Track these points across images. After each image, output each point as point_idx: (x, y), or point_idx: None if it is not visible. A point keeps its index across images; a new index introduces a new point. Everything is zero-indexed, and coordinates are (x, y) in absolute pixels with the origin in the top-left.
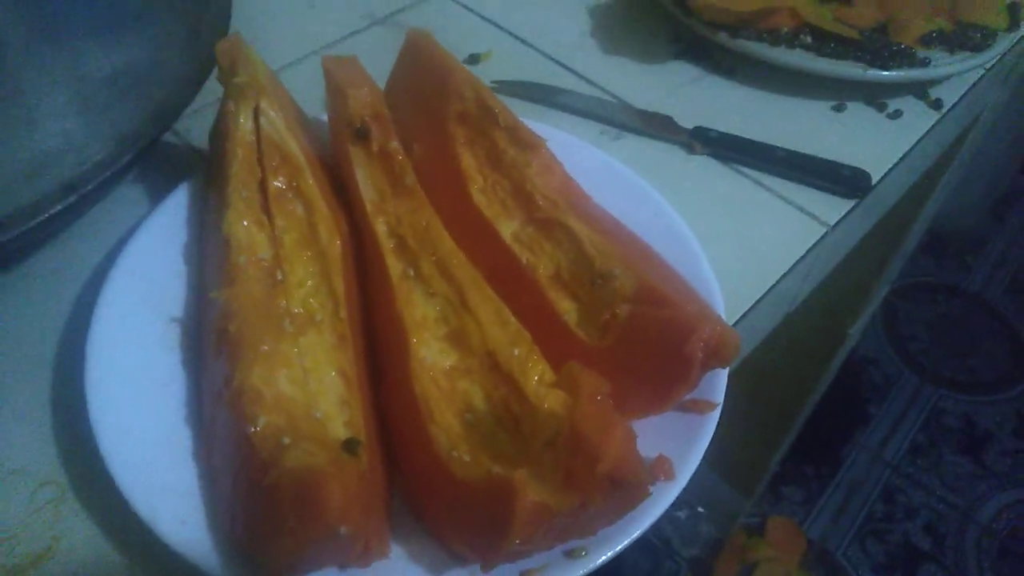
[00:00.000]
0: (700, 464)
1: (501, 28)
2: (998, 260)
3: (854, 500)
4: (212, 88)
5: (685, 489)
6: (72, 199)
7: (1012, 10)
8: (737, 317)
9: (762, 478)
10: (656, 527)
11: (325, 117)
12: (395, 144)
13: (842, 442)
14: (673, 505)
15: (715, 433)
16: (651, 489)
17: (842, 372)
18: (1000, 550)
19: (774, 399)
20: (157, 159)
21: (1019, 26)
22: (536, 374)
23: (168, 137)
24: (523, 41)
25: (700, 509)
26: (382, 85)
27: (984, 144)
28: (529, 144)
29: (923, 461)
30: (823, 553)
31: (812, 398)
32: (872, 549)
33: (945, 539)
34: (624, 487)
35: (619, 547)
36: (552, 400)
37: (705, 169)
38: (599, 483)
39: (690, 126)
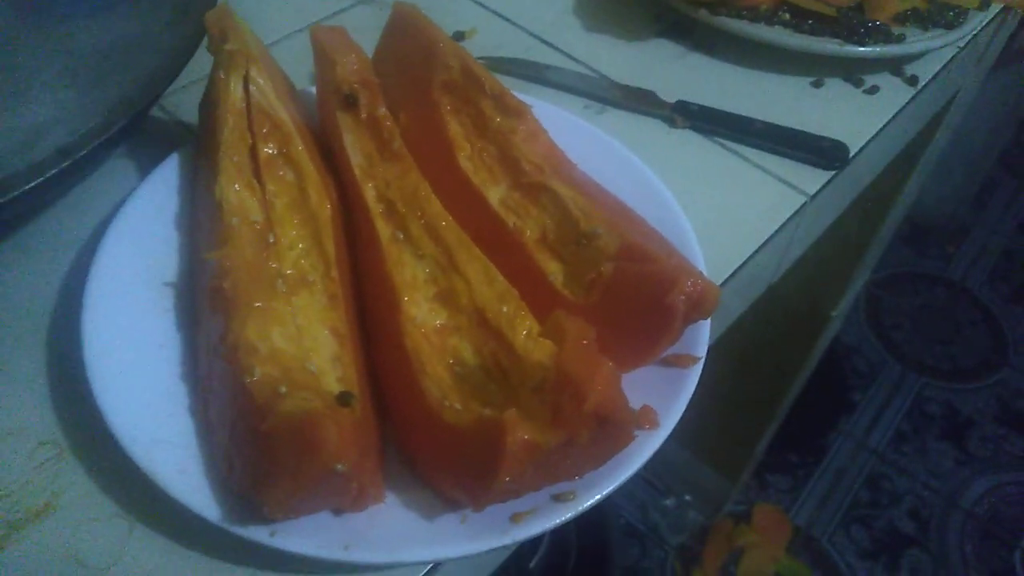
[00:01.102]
0: (687, 452)
1: (485, 6)
2: (979, 250)
3: (839, 487)
4: (199, 65)
5: (672, 476)
6: (65, 164)
7: None
8: (719, 284)
9: (748, 465)
10: (644, 515)
11: (313, 89)
12: (383, 110)
13: (827, 430)
14: (660, 493)
15: (701, 419)
16: (636, 435)
17: (826, 360)
18: (983, 533)
19: (759, 385)
20: (146, 134)
21: (989, 5)
22: (524, 329)
23: (156, 113)
24: (507, 19)
25: (687, 497)
26: None
27: (963, 134)
28: (515, 111)
29: (907, 448)
30: (809, 539)
31: (796, 383)
32: (857, 535)
33: (929, 524)
34: (610, 424)
35: (606, 491)
36: (540, 351)
37: (687, 142)
38: (586, 420)
39: (672, 101)
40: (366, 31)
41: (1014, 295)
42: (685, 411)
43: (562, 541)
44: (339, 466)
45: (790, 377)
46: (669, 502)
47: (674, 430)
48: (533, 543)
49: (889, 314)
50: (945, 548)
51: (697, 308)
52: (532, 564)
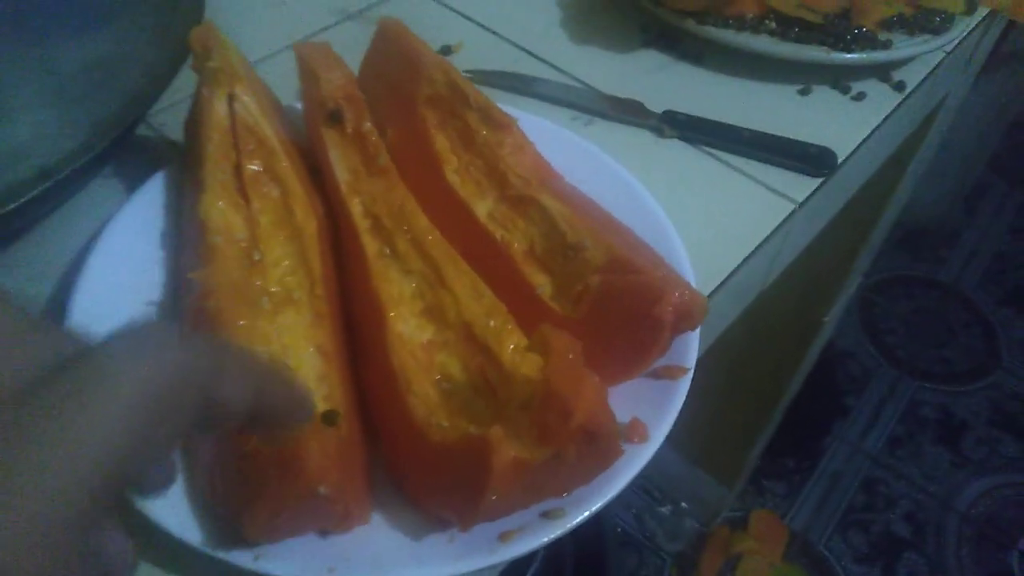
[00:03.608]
0: (683, 460)
1: (471, 20)
2: (971, 253)
3: (835, 492)
4: (186, 83)
5: (669, 484)
6: (47, 185)
7: None
8: (709, 292)
9: (744, 472)
10: (641, 523)
11: (299, 105)
12: (369, 125)
13: (822, 435)
14: (657, 501)
15: (696, 426)
16: (625, 449)
17: (820, 365)
18: (979, 537)
19: (753, 390)
20: (133, 152)
21: (975, 10)
22: (511, 343)
23: (143, 131)
24: (494, 32)
25: (684, 504)
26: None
27: (953, 138)
28: (501, 124)
29: (902, 451)
30: (806, 545)
31: (790, 388)
32: (854, 539)
33: (925, 528)
34: (597, 440)
35: (595, 507)
36: (527, 366)
37: (675, 151)
38: (572, 436)
39: (659, 111)
40: (352, 47)
41: (1006, 298)
42: (678, 420)
43: (558, 551)
44: (321, 488)
45: (784, 382)
46: (665, 510)
47: (668, 439)
48: (528, 555)
49: (883, 318)
50: (942, 551)
51: (685, 319)
52: None
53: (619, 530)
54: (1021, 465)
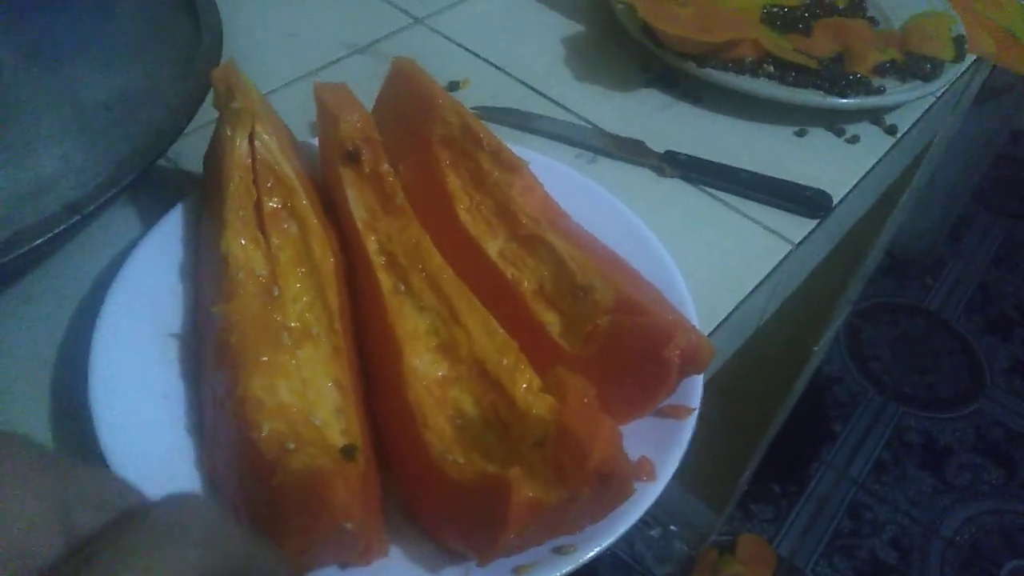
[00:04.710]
0: (672, 483)
1: (479, 56)
2: (955, 281)
3: (821, 517)
4: (200, 114)
5: (658, 507)
6: (74, 219)
7: (958, 43)
8: (709, 331)
9: (732, 496)
10: (630, 546)
11: (313, 141)
12: (386, 167)
13: (809, 460)
14: (646, 524)
15: (688, 450)
16: (635, 487)
17: (807, 391)
18: (963, 563)
19: (743, 416)
20: (149, 182)
21: (964, 57)
22: (524, 381)
23: (159, 161)
24: (500, 69)
25: (673, 527)
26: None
27: (939, 170)
28: (512, 166)
29: (887, 477)
30: (792, 569)
31: (779, 415)
32: (840, 565)
33: (911, 553)
34: (612, 481)
35: (605, 543)
36: (540, 405)
37: (675, 191)
38: (588, 477)
39: (661, 150)
40: (362, 80)
41: (989, 326)
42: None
43: None
44: (347, 524)
45: (773, 409)
46: (655, 533)
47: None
48: None
49: (869, 344)
50: None
51: (692, 362)
52: None
53: (609, 553)
54: (1004, 492)
